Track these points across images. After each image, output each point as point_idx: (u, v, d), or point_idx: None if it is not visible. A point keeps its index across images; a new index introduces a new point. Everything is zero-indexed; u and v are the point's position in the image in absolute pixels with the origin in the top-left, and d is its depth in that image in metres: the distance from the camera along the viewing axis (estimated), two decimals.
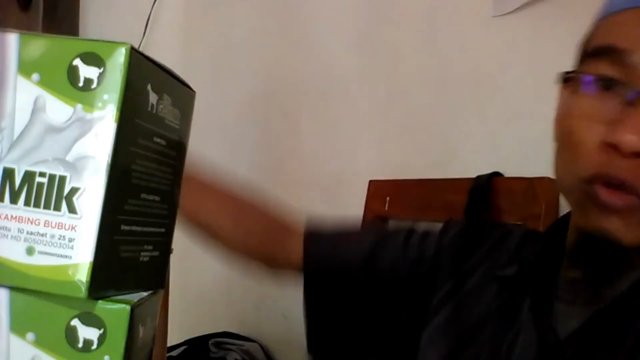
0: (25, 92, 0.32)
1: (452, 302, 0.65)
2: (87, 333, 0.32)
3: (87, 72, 0.32)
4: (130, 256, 0.34)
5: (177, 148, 0.38)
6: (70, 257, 0.31)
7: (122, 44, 0.32)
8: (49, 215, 0.31)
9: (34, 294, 0.32)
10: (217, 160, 1.75)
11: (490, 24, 1.14)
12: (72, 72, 0.32)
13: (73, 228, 0.31)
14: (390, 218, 1.30)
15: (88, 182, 0.31)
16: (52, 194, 0.32)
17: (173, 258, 0.92)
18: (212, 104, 1.77)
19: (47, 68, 0.32)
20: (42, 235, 0.31)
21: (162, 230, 0.38)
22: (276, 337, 1.57)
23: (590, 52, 0.51)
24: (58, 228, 0.31)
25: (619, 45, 0.49)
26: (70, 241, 0.31)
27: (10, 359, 0.32)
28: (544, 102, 0.59)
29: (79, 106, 0.32)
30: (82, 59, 0.32)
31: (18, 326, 0.32)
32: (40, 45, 0.32)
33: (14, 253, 0.32)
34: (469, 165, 1.14)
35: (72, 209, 0.31)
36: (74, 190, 0.31)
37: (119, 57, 0.31)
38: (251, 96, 1.67)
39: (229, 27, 1.74)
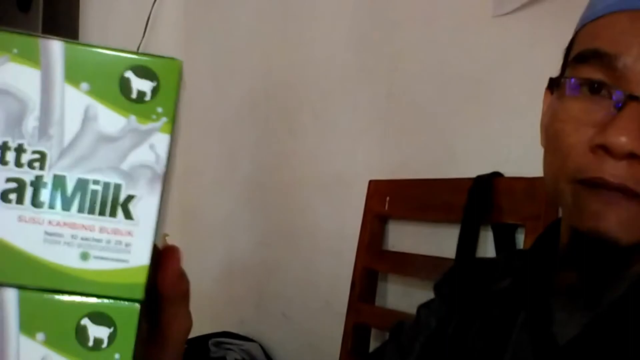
0: (75, 100, 0.33)
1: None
2: (98, 332, 0.32)
3: (139, 84, 0.33)
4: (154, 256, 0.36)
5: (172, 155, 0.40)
6: (128, 261, 0.33)
7: (174, 59, 0.33)
8: (104, 221, 0.33)
9: (44, 293, 0.32)
10: (217, 160, 1.76)
11: (490, 24, 1.14)
12: (125, 84, 0.33)
13: (130, 233, 0.33)
14: (390, 218, 1.30)
15: (144, 191, 0.33)
16: (107, 201, 0.33)
17: None
18: (212, 104, 1.77)
19: (97, 78, 0.33)
20: (97, 240, 0.33)
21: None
22: (276, 337, 1.57)
23: (577, 56, 0.52)
24: (114, 234, 0.33)
25: (606, 49, 0.49)
26: (127, 246, 0.33)
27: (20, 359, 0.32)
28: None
29: (133, 117, 0.33)
30: (134, 72, 0.33)
31: (28, 326, 0.32)
32: (87, 54, 0.33)
33: (68, 259, 0.32)
34: (469, 165, 1.14)
35: (128, 216, 0.33)
36: (129, 198, 0.33)
37: (173, 72, 0.33)
38: (251, 96, 1.68)
39: (229, 27, 1.74)
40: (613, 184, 0.47)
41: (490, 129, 1.13)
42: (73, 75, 0.33)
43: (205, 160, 1.74)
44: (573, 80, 0.51)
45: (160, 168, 0.33)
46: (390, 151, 1.32)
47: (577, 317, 0.53)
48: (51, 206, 0.32)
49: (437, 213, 1.18)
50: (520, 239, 1.03)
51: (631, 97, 0.47)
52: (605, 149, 0.47)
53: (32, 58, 0.32)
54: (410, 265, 1.21)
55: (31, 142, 0.32)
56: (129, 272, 0.33)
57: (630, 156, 0.47)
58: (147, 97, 0.33)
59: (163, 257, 0.36)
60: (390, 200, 1.26)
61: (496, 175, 1.06)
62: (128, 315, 0.32)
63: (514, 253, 0.69)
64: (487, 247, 1.08)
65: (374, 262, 1.28)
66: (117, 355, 0.32)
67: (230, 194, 1.73)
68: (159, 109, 0.33)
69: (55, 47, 0.33)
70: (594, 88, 0.50)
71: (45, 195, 0.32)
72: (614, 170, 0.47)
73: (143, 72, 0.33)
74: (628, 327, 0.50)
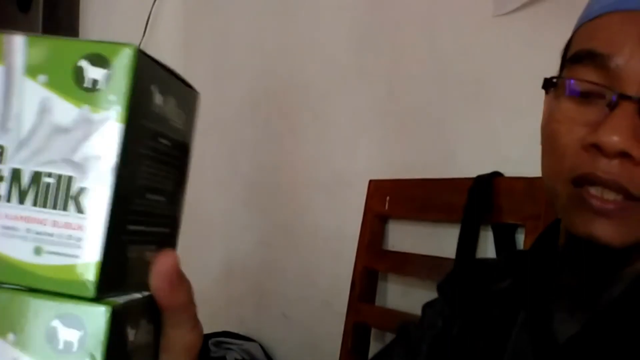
0: (32, 93, 0.32)
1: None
2: (68, 334, 0.31)
3: (93, 73, 0.32)
4: (136, 256, 0.34)
5: (182, 149, 0.38)
6: (79, 257, 0.31)
7: (128, 45, 0.32)
8: (57, 215, 0.32)
9: (14, 293, 0.32)
10: (217, 160, 1.76)
11: (490, 24, 1.14)
12: (78, 73, 0.32)
13: (81, 228, 0.32)
14: (390, 218, 1.30)
15: (95, 182, 0.32)
16: (59, 194, 0.32)
17: None
18: (212, 104, 1.77)
19: (53, 69, 0.32)
20: (50, 235, 0.32)
21: (167, 230, 0.38)
22: (276, 337, 1.57)
23: (572, 57, 0.52)
24: (66, 228, 0.32)
25: (600, 49, 0.49)
26: (78, 240, 0.31)
27: None
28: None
29: (86, 107, 0.32)
30: (88, 60, 0.32)
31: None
32: (46, 46, 0.32)
33: (22, 253, 0.32)
34: (469, 165, 1.14)
35: (79, 209, 0.32)
36: (81, 190, 0.32)
37: (125, 58, 0.32)
38: (251, 96, 1.68)
39: (229, 27, 1.74)
40: (606, 180, 0.48)
41: (490, 129, 1.13)
42: (32, 69, 0.32)
43: (205, 160, 1.74)
44: (568, 80, 0.51)
45: (112, 159, 0.32)
46: (390, 151, 1.33)
47: (577, 316, 0.53)
48: (8, 199, 0.32)
49: (437, 213, 1.18)
50: (520, 239, 1.03)
51: (623, 97, 0.48)
52: (597, 148, 0.48)
53: None
54: (410, 265, 1.21)
55: None
56: (80, 267, 0.31)
57: (623, 155, 0.47)
58: (100, 86, 0.32)
59: (155, 262, 0.34)
60: (391, 200, 1.26)
61: (496, 175, 1.06)
62: (98, 318, 0.31)
63: (514, 253, 0.69)
64: (487, 247, 1.08)
65: (374, 261, 1.28)
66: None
67: (230, 194, 1.72)
68: (111, 97, 0.32)
69: (17, 42, 0.33)
70: (589, 89, 0.50)
71: (2, 189, 0.32)
72: (606, 168, 0.48)
73: (96, 59, 0.32)
74: (626, 326, 0.50)
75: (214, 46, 1.77)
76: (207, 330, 1.70)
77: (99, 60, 0.32)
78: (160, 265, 0.34)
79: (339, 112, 1.44)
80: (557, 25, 1.03)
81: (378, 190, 1.29)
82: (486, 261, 0.79)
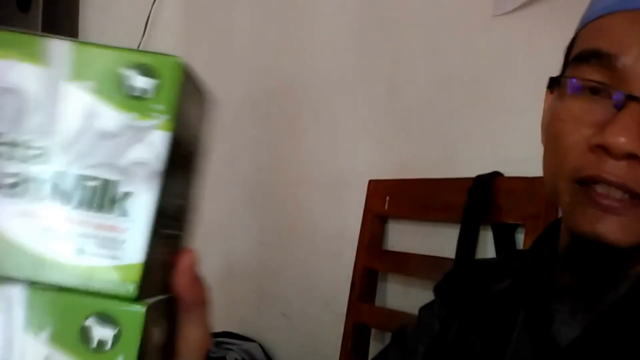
0: (77, 98, 0.33)
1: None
2: (102, 333, 0.32)
3: (140, 82, 0.33)
4: (163, 258, 0.36)
5: (200, 154, 0.40)
6: (121, 259, 0.32)
7: (176, 57, 0.34)
8: (101, 217, 0.33)
9: (51, 291, 0.32)
10: (217, 160, 1.76)
11: (490, 24, 1.14)
12: (126, 82, 0.33)
13: (124, 230, 0.33)
14: (390, 218, 1.30)
15: (140, 187, 0.33)
16: (104, 197, 0.33)
17: None
18: (211, 104, 1.77)
19: (98, 76, 0.33)
20: (93, 236, 0.33)
21: (182, 233, 0.39)
22: (276, 337, 1.57)
23: (577, 56, 0.52)
24: (109, 230, 0.33)
25: (606, 49, 0.49)
26: (122, 243, 0.32)
27: (24, 358, 0.32)
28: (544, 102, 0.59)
29: (132, 114, 0.33)
30: (135, 70, 0.33)
31: (33, 324, 0.32)
32: (92, 53, 0.33)
33: (64, 253, 0.32)
34: (469, 165, 1.14)
35: (123, 212, 0.33)
36: (126, 194, 0.33)
37: (175, 71, 0.33)
38: (251, 96, 1.68)
39: (229, 27, 1.74)
40: (612, 181, 0.47)
41: (490, 129, 1.13)
42: (76, 74, 0.33)
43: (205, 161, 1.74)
44: (573, 80, 0.51)
45: (158, 165, 0.33)
46: (390, 151, 1.32)
47: (578, 318, 0.53)
48: (50, 201, 0.33)
49: (437, 213, 1.18)
50: (520, 239, 1.03)
51: (631, 98, 0.47)
52: (604, 149, 0.47)
53: (39, 57, 0.33)
54: (410, 265, 1.21)
55: (34, 138, 0.33)
56: (122, 269, 0.32)
57: (630, 157, 0.47)
58: (148, 95, 0.33)
59: (178, 258, 0.36)
60: (390, 200, 1.26)
61: (496, 175, 1.06)
62: (133, 318, 0.32)
63: (514, 253, 0.68)
64: (487, 247, 1.08)
65: (373, 262, 1.28)
66: (120, 358, 0.32)
67: (230, 194, 1.72)
68: (160, 107, 0.33)
69: (61, 47, 0.33)
70: (594, 88, 0.50)
71: (46, 190, 0.33)
72: (613, 170, 0.47)
73: (144, 69, 0.33)
74: (630, 329, 0.50)
75: (214, 46, 1.77)
76: None
77: (146, 71, 0.33)
78: (183, 263, 0.36)
79: (339, 112, 1.44)
80: (557, 25, 1.03)
81: (378, 190, 1.29)
82: (485, 261, 0.79)
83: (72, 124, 0.33)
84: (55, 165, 0.33)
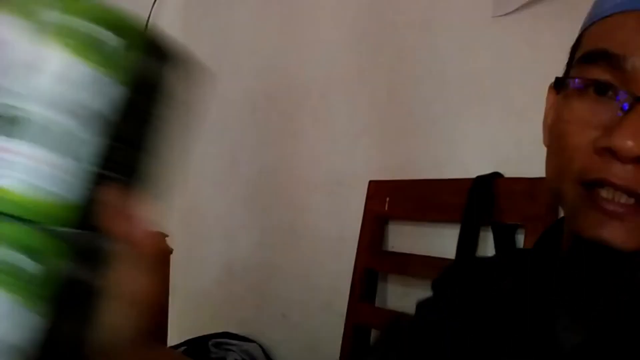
0: (46, 48, 0.35)
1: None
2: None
3: (106, 37, 0.36)
4: (98, 198, 0.37)
5: (174, 115, 0.42)
6: (59, 194, 0.35)
7: (139, 18, 0.37)
8: (33, 149, 0.35)
9: None
10: (216, 160, 1.76)
11: (490, 24, 1.14)
12: (95, 36, 0.35)
13: (61, 167, 0.35)
14: (390, 218, 1.30)
15: (85, 130, 0.35)
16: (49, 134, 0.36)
17: (173, 259, 0.92)
18: (212, 104, 1.77)
19: (68, 30, 0.35)
20: (26, 166, 0.35)
21: (131, 180, 0.40)
22: (276, 337, 1.57)
23: (584, 56, 0.51)
24: (46, 164, 0.35)
25: (614, 50, 0.48)
26: (64, 181, 0.35)
27: None
28: (544, 102, 0.59)
29: (94, 66, 0.35)
30: (104, 26, 0.36)
31: None
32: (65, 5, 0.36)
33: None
34: (469, 165, 1.14)
35: (63, 151, 0.36)
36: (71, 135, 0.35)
37: (140, 32, 0.36)
38: (251, 96, 1.68)
39: (229, 27, 1.74)
40: (618, 185, 0.47)
41: (490, 129, 1.13)
42: (55, 29, 0.36)
43: (205, 161, 1.74)
44: (579, 80, 0.50)
45: (109, 114, 0.36)
46: (390, 151, 1.32)
47: (581, 322, 0.52)
48: None
49: (437, 213, 1.18)
50: (520, 239, 1.03)
51: (639, 100, 0.46)
52: (611, 152, 0.46)
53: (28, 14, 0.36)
54: (410, 265, 1.21)
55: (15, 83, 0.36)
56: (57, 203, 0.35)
57: (637, 160, 0.46)
58: (113, 50, 0.36)
59: (108, 200, 0.37)
60: (390, 201, 1.26)
61: (496, 175, 1.06)
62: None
63: (514, 252, 0.68)
64: (487, 247, 1.08)
65: (374, 262, 1.28)
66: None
67: (230, 194, 1.72)
68: (121, 62, 0.36)
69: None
70: (601, 89, 0.48)
71: None
72: (620, 173, 0.46)
73: (113, 28, 0.36)
74: (635, 335, 0.49)
75: (214, 46, 1.77)
76: (207, 330, 1.70)
77: (115, 29, 0.36)
78: (107, 197, 0.37)
79: (339, 113, 1.44)
80: (557, 26, 1.03)
81: (378, 190, 1.29)
82: (484, 259, 0.78)
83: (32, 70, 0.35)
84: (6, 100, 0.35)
